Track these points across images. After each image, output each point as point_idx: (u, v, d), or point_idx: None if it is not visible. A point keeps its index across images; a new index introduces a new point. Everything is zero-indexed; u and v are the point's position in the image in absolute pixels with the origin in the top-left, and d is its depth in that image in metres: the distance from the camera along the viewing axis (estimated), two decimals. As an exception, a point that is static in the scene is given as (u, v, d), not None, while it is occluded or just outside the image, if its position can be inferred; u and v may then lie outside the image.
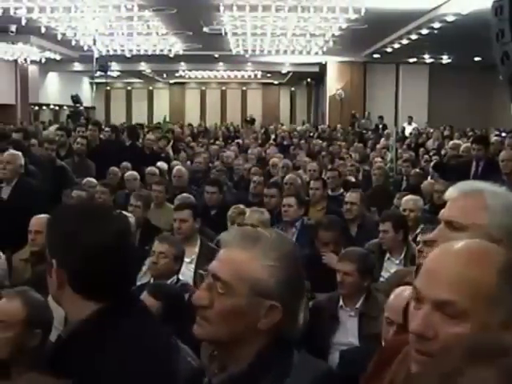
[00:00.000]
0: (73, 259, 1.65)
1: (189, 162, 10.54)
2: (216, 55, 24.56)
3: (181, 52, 22.74)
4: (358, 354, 3.37)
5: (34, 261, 4.65)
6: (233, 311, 1.47)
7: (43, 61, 23.46)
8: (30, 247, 4.68)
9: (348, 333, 3.93)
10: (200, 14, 16.38)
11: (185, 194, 6.23)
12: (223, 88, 34.57)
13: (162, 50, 22.20)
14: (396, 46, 20.04)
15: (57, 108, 30.42)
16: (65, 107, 29.09)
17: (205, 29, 18.20)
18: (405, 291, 3.12)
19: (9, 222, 5.13)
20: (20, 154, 5.88)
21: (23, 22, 16.19)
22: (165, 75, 32.24)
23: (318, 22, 16.87)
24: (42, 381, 1.13)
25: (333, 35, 18.40)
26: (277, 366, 1.49)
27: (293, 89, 34.43)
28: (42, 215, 4.70)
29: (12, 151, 5.95)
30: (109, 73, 22.31)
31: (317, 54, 22.40)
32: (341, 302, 3.98)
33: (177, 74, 31.27)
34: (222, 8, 15.31)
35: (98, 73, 20.71)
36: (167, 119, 22.68)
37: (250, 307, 1.47)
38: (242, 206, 5.43)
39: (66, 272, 1.66)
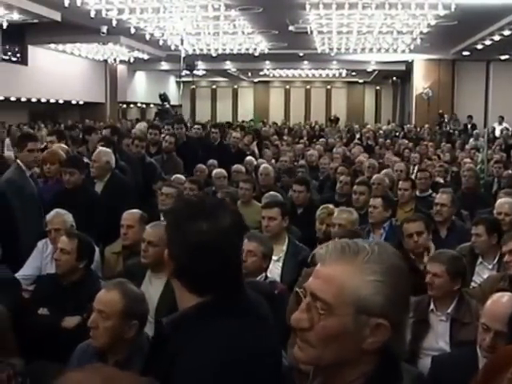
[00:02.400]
0: (178, 254, 1.68)
1: (273, 161, 10.54)
2: (301, 54, 24.53)
3: (266, 51, 22.85)
4: (450, 361, 3.28)
5: (125, 254, 4.79)
6: (336, 333, 1.36)
7: (131, 60, 24.15)
8: (122, 241, 4.81)
9: (439, 338, 3.81)
10: (286, 12, 16.40)
11: (273, 192, 6.21)
12: (307, 87, 34.48)
13: (247, 49, 22.39)
14: (487, 42, 19.37)
15: (144, 106, 31.22)
16: (151, 105, 29.82)
17: (290, 27, 18.20)
18: (503, 297, 3.02)
19: (101, 216, 5.28)
20: (108, 150, 6.03)
21: (114, 23, 16.70)
22: (249, 74, 32.48)
23: (406, 19, 16.55)
24: (121, 376, 1.13)
25: (421, 32, 18.00)
26: None
27: (378, 87, 33.96)
28: (134, 210, 4.83)
29: (100, 148, 6.12)
30: (195, 72, 22.70)
31: (403, 51, 21.99)
32: (431, 306, 3.86)
33: (261, 73, 31.45)
34: (308, 6, 15.28)
35: (184, 72, 21.09)
36: (252, 117, 23.08)
37: (355, 327, 1.36)
38: (331, 206, 5.37)
39: (173, 264, 1.68)
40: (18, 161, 5.60)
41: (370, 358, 1.39)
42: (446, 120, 23.01)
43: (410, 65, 25.30)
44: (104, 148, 6.09)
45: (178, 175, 6.96)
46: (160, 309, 3.70)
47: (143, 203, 5.67)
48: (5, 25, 16.68)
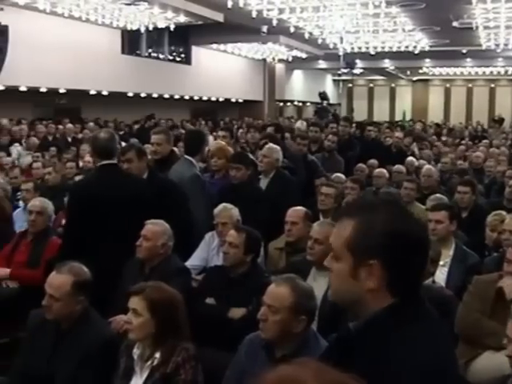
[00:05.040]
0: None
1: (433, 162, 10.20)
2: (464, 51, 23.59)
3: (426, 48, 22.22)
4: None
5: (289, 250, 4.85)
6: None
7: (290, 59, 24.44)
8: (286, 237, 4.87)
9: None
10: (450, 7, 15.88)
11: (438, 195, 6.02)
12: (469, 85, 33.13)
13: (406, 47, 21.92)
14: None
15: (300, 104, 31.53)
16: (308, 103, 30.06)
17: (454, 23, 17.56)
18: None
19: (265, 211, 5.39)
20: (278, 148, 6.15)
21: (274, 23, 16.98)
22: (408, 72, 31.76)
23: None
24: (329, 370, 1.13)
25: None
26: None
27: (548, 85, 31.90)
28: (299, 207, 4.89)
29: (270, 145, 6.25)
30: (353, 70, 22.60)
31: None
32: None
33: (420, 71, 30.64)
34: (474, 0, 14.68)
35: (342, 70, 21.05)
36: (407, 116, 22.59)
37: None
38: (504, 213, 5.10)
39: None
40: (187, 156, 5.83)
41: None
42: None
43: None
44: (274, 145, 6.22)
45: (339, 174, 6.94)
46: (323, 306, 3.70)
47: (304, 201, 5.72)
48: (172, 27, 17.57)
